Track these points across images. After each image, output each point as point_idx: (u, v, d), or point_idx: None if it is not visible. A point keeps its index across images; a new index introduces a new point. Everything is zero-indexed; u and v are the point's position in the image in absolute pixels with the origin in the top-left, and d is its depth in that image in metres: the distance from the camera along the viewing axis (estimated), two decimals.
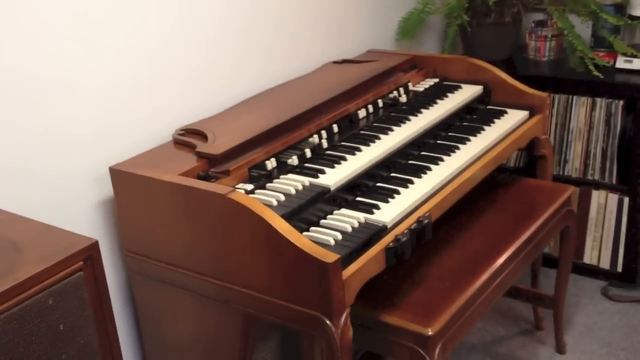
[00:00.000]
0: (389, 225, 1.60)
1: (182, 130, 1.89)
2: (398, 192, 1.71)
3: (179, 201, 1.60)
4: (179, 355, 1.80)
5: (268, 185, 1.70)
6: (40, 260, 1.17)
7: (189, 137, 1.84)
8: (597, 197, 2.64)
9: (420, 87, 2.29)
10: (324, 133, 1.93)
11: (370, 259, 1.51)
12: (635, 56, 2.53)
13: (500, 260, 1.85)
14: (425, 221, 1.62)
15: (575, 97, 2.61)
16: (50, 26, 1.62)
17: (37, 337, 1.15)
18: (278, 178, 1.73)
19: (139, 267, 1.75)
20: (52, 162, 1.68)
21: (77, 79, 1.70)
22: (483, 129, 2.07)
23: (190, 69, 1.99)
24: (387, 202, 1.68)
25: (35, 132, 1.63)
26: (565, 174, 2.68)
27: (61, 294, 1.18)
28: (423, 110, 2.10)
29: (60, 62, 1.66)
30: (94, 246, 1.22)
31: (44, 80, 1.64)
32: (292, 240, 1.43)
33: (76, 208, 1.74)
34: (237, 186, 1.68)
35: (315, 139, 1.90)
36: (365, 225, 1.59)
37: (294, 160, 1.80)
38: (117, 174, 1.70)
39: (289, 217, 1.55)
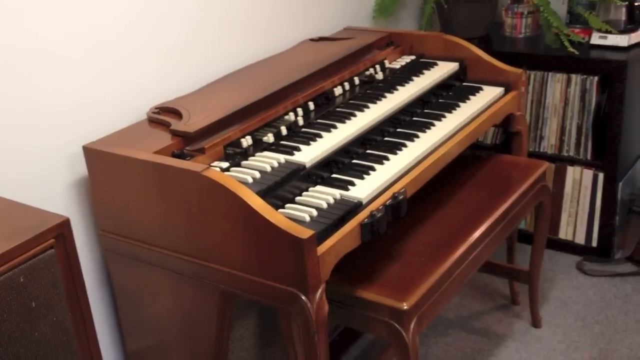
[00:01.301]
0: (364, 202, 1.60)
1: (156, 108, 1.88)
2: (373, 169, 1.72)
3: (153, 179, 1.59)
4: (156, 333, 1.80)
5: (243, 163, 1.70)
6: (11, 237, 1.16)
7: (163, 116, 1.83)
8: (572, 173, 2.66)
9: (397, 64, 2.29)
10: (299, 110, 1.92)
11: (345, 235, 1.51)
12: (610, 32, 2.55)
13: (476, 235, 1.86)
14: (401, 197, 1.63)
15: (550, 74, 2.62)
16: (23, 1, 1.60)
17: (8, 314, 1.15)
18: (253, 156, 1.73)
19: (114, 246, 1.75)
20: (25, 139, 1.66)
21: (51, 55, 1.68)
22: (458, 106, 2.08)
23: (166, 47, 1.97)
24: (362, 178, 1.68)
25: (7, 109, 1.61)
26: (541, 150, 2.70)
27: (32, 271, 1.17)
28: (399, 87, 2.10)
29: (35, 37, 1.64)
30: (66, 223, 1.21)
31: (17, 56, 1.61)
32: (267, 217, 1.43)
33: (50, 187, 1.73)
34: (212, 164, 1.68)
35: (291, 116, 1.90)
36: (340, 202, 1.60)
37: (269, 138, 1.79)
38: (91, 153, 1.69)
39: (264, 194, 1.55)
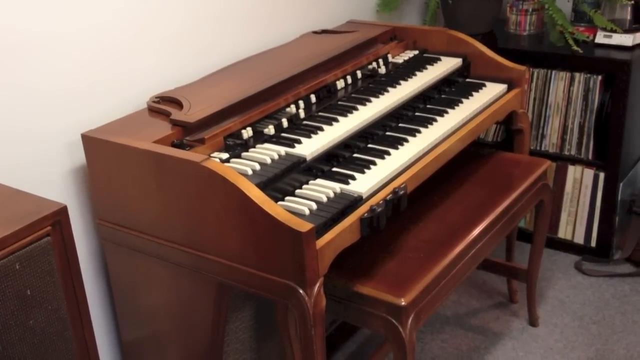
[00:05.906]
0: (364, 196, 1.59)
1: (157, 97, 1.86)
2: (374, 163, 1.71)
3: (152, 169, 1.58)
4: (151, 323, 1.79)
5: (244, 154, 1.68)
6: (7, 224, 1.15)
7: (163, 105, 1.82)
8: (573, 172, 2.65)
9: (400, 58, 2.28)
10: (301, 103, 1.91)
11: (345, 229, 1.50)
12: (615, 31, 2.53)
13: (475, 232, 1.85)
14: (401, 192, 1.62)
15: (554, 72, 2.61)
16: None
17: (2, 302, 1.14)
18: (254, 147, 1.72)
19: (111, 235, 1.73)
20: (23, 126, 1.65)
21: (52, 41, 1.67)
22: (461, 102, 2.06)
23: (168, 36, 1.96)
24: (363, 172, 1.67)
25: (6, 95, 1.60)
26: (543, 148, 2.69)
27: (28, 259, 1.16)
28: (402, 81, 2.09)
29: (36, 20, 1.62)
30: (63, 211, 1.20)
31: (18, 40, 1.60)
32: (267, 209, 1.42)
33: (47, 174, 1.72)
34: (212, 155, 1.66)
35: (292, 108, 1.89)
36: (340, 196, 1.58)
37: (270, 130, 1.78)
38: (90, 141, 1.67)
39: (263, 186, 1.53)
